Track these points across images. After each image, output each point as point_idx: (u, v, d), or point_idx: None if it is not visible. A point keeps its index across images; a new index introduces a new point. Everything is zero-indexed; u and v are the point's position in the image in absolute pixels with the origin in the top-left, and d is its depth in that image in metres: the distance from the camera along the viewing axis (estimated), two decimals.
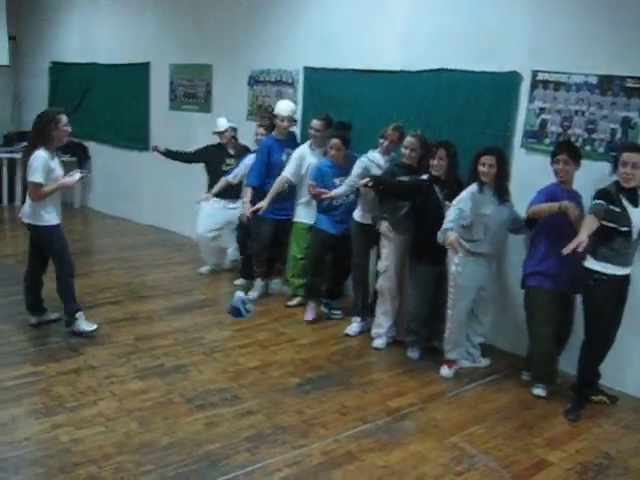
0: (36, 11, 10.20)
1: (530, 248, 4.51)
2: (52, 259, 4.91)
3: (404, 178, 4.85)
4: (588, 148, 4.52)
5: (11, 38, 10.10)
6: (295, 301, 5.89)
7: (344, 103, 6.00)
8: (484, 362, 4.85)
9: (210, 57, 7.51)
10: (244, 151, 6.41)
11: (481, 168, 4.43)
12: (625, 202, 3.96)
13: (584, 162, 4.41)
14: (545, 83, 4.71)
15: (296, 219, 5.83)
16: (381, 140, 5.18)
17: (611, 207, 3.93)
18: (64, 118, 4.73)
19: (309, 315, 5.59)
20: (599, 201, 3.94)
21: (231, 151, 6.50)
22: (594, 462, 3.66)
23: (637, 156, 3.92)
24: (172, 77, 8.06)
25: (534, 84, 4.77)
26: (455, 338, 4.65)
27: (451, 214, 4.38)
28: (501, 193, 4.51)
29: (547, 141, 4.72)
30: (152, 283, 6.42)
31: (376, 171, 5.10)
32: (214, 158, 6.51)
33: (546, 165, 4.46)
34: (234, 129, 6.55)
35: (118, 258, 7.19)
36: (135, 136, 8.68)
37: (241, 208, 6.05)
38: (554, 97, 4.67)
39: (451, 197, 4.58)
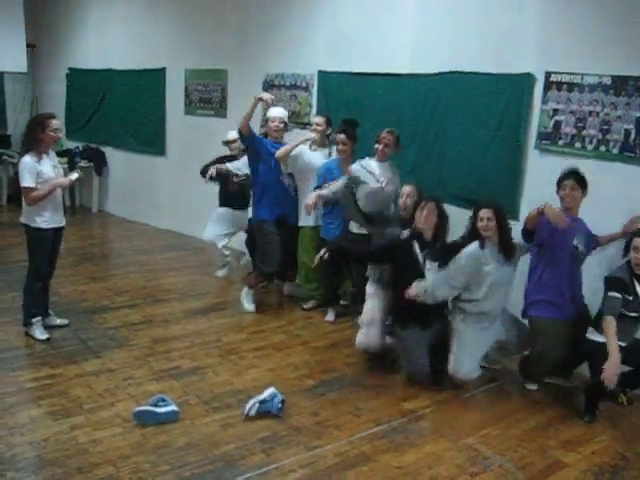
0: (54, 19, 10.34)
1: (531, 274, 4.40)
2: (28, 259, 4.90)
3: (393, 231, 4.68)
4: (602, 149, 4.51)
5: (29, 46, 10.23)
6: (310, 304, 5.92)
7: (358, 107, 6.01)
8: (499, 365, 4.84)
9: (225, 62, 7.57)
10: None
11: (480, 223, 4.28)
12: (638, 288, 3.94)
13: (599, 163, 4.42)
14: (559, 84, 4.70)
15: (300, 223, 5.78)
16: (376, 145, 5.14)
17: (625, 296, 3.91)
18: (54, 122, 4.73)
19: (330, 317, 5.64)
20: (614, 294, 3.92)
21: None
22: (610, 464, 3.65)
23: None
24: (187, 82, 8.13)
25: (547, 85, 4.76)
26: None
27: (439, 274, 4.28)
28: (506, 251, 4.32)
29: (561, 142, 4.71)
30: (169, 286, 6.48)
31: (366, 178, 5.06)
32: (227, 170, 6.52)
33: (560, 166, 4.46)
34: None
35: (135, 262, 7.26)
36: (151, 141, 8.76)
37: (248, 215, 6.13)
38: (568, 98, 4.66)
39: (433, 257, 4.37)
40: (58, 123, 4.80)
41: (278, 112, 5.71)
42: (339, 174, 5.37)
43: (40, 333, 4.90)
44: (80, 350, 4.79)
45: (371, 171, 5.10)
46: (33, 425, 3.73)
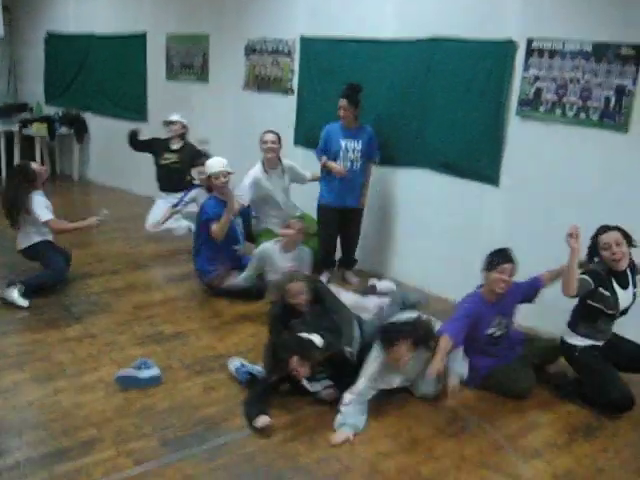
0: None
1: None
2: (45, 268, 5.16)
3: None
4: (583, 116, 4.52)
5: (5, 9, 10.00)
6: None
7: (340, 72, 5.95)
8: None
9: (206, 26, 7.45)
10: (193, 153, 6.43)
11: (394, 355, 3.67)
12: (615, 285, 3.81)
13: (579, 130, 4.47)
14: (540, 51, 4.70)
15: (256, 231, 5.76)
16: (284, 231, 5.02)
17: (600, 289, 3.78)
18: (35, 166, 5.22)
19: (323, 279, 5.54)
20: (586, 277, 3.75)
21: (174, 146, 6.51)
22: (584, 422, 3.75)
23: (614, 233, 3.75)
24: (169, 47, 8.03)
25: (529, 52, 4.75)
26: None
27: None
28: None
29: (542, 109, 4.72)
30: (151, 253, 6.48)
31: (273, 262, 4.98)
32: (155, 150, 6.64)
33: (541, 133, 4.48)
34: (185, 127, 6.60)
35: (117, 229, 7.22)
36: (132, 107, 8.65)
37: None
38: (549, 65, 4.66)
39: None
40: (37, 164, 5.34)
41: (219, 164, 5.19)
42: (341, 136, 5.36)
43: (22, 300, 4.90)
44: (62, 316, 4.80)
45: (275, 261, 5.00)
46: (17, 389, 3.76)
